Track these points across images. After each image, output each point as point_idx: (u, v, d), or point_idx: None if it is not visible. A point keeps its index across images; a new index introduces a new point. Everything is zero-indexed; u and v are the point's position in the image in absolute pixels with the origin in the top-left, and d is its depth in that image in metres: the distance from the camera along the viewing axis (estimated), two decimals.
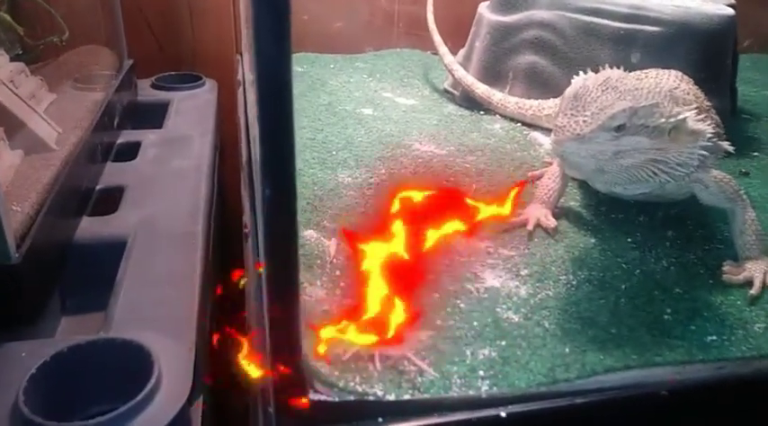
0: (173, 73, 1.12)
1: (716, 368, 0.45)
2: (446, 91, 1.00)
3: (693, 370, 0.45)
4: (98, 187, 0.76)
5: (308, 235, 0.56)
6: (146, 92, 1.07)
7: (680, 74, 0.65)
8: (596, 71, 0.55)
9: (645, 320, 0.49)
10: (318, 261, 0.52)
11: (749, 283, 0.54)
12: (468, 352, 0.44)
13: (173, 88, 1.07)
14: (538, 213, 0.61)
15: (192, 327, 0.53)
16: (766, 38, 1.44)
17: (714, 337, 0.47)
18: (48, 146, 0.71)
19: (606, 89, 0.48)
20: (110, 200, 0.75)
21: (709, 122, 0.54)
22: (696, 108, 0.53)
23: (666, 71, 0.64)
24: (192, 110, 1.01)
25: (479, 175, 0.72)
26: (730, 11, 0.84)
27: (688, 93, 0.58)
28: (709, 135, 0.52)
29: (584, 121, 0.46)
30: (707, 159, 0.54)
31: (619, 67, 0.55)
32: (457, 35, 1.04)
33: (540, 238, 0.59)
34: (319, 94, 0.96)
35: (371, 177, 0.69)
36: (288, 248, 0.30)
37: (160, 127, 0.94)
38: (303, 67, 1.09)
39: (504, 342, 0.45)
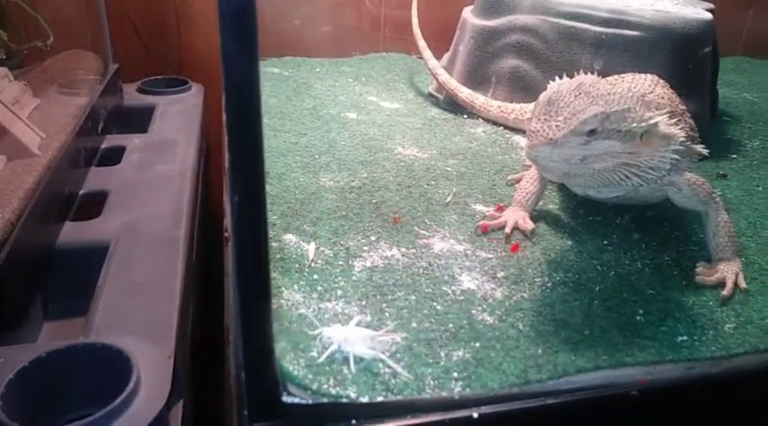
0: (159, 77, 1.13)
1: (686, 368, 0.46)
2: (431, 94, 1.01)
3: (664, 370, 0.46)
4: (81, 192, 0.76)
5: (287, 239, 0.56)
6: (132, 96, 1.07)
7: (656, 78, 0.66)
8: (573, 76, 0.56)
9: (617, 321, 0.49)
10: (297, 266, 0.53)
11: (721, 284, 0.55)
12: (442, 354, 0.45)
13: (159, 92, 1.07)
14: (516, 216, 0.61)
15: (171, 331, 0.53)
16: (749, 40, 1.47)
17: (685, 337, 0.48)
18: (30, 151, 0.71)
19: (579, 94, 0.49)
20: (93, 205, 0.75)
21: (682, 126, 0.55)
22: (669, 112, 0.53)
23: (642, 75, 0.65)
24: (177, 115, 1.01)
25: (460, 179, 0.72)
26: (708, 15, 0.86)
27: (662, 97, 0.59)
28: (682, 138, 0.53)
29: (557, 126, 0.47)
30: (680, 162, 0.55)
31: (595, 72, 0.56)
32: (442, 39, 1.05)
33: (518, 240, 0.60)
34: (304, 98, 0.96)
35: (353, 180, 0.70)
36: (257, 254, 0.31)
37: (145, 131, 0.94)
38: (289, 71, 1.10)
39: (478, 344, 0.46)
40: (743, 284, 0.55)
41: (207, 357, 0.75)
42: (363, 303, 0.49)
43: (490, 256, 0.57)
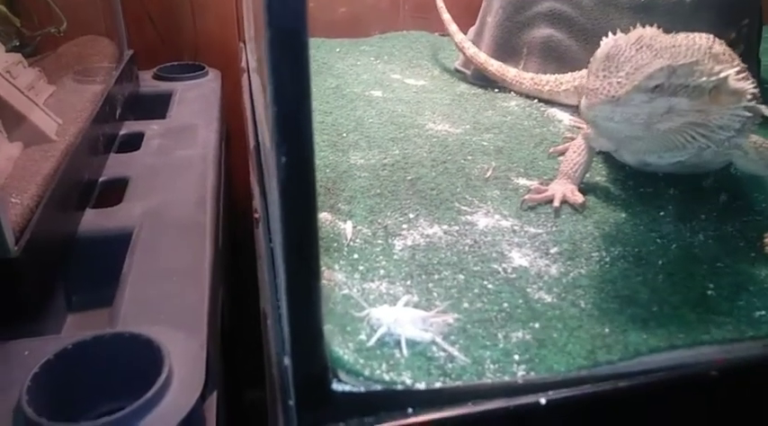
0: (175, 63, 1.10)
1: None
2: (457, 70, 0.97)
3: (744, 348, 0.41)
4: (101, 179, 0.74)
5: (322, 217, 0.53)
6: (148, 83, 1.04)
7: (711, 36, 0.61)
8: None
9: (687, 297, 0.45)
10: (335, 244, 0.49)
11: None
12: (500, 336, 0.41)
13: (175, 78, 1.04)
14: (564, 189, 0.57)
15: (202, 319, 0.51)
16: None
17: (763, 312, 0.44)
18: (47, 137, 0.68)
19: (640, 48, 0.44)
20: (114, 192, 0.72)
21: (750, 81, 0.50)
22: (737, 67, 0.49)
23: (696, 34, 0.61)
24: (195, 100, 0.98)
25: (498, 153, 0.68)
26: None
27: (725, 54, 0.55)
28: (750, 95, 0.49)
29: (619, 83, 0.43)
30: (747, 122, 0.50)
31: (655, 25, 0.51)
32: (466, 15, 1.00)
33: (568, 215, 0.56)
34: (326, 78, 0.92)
35: (385, 158, 0.66)
36: (306, 223, 0.27)
37: (164, 117, 0.92)
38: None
39: (537, 324, 0.42)
40: None
41: (238, 346, 0.72)
42: (408, 283, 0.45)
43: (540, 231, 0.53)
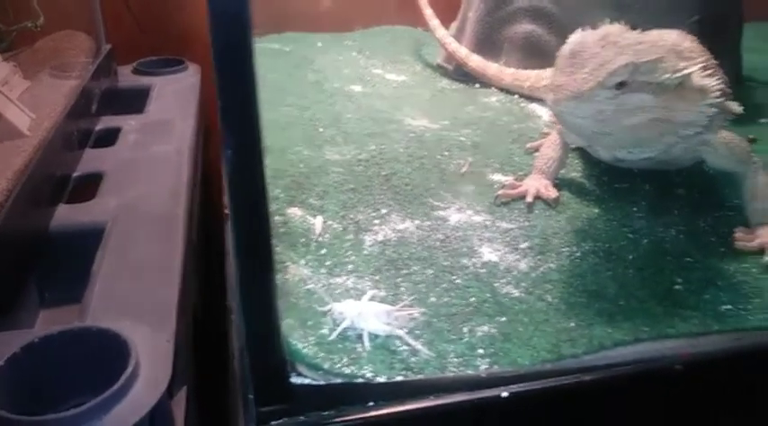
0: (155, 58, 1.09)
1: (733, 339, 0.42)
2: (439, 65, 0.96)
3: (709, 342, 0.41)
4: (75, 174, 0.73)
5: (291, 212, 0.53)
6: (127, 77, 1.03)
7: (683, 33, 0.61)
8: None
9: (655, 291, 0.45)
10: (303, 240, 0.49)
11: (763, 250, 0.50)
12: (465, 330, 0.41)
13: (154, 73, 1.03)
14: (537, 184, 0.57)
15: (172, 314, 0.50)
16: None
17: (729, 306, 0.44)
18: (20, 132, 0.67)
19: (606, 45, 0.44)
20: (88, 187, 0.71)
21: (717, 78, 0.50)
22: (702, 64, 0.49)
23: (669, 30, 0.61)
24: (174, 95, 0.97)
25: (475, 149, 0.68)
26: None
27: (692, 51, 0.55)
28: (717, 92, 0.49)
29: (583, 79, 0.43)
30: (715, 119, 0.51)
31: (623, 22, 0.51)
32: (449, 10, 1.00)
33: (541, 210, 0.56)
34: (306, 73, 0.92)
35: (360, 153, 0.66)
36: (257, 216, 0.27)
37: (141, 112, 0.91)
38: (289, 47, 1.05)
39: (504, 318, 0.42)
40: None
41: (212, 341, 0.71)
42: (377, 277, 0.45)
43: (512, 226, 0.53)
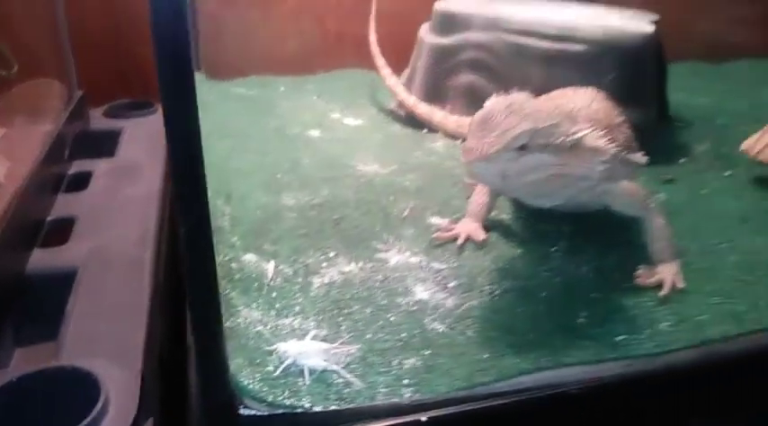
0: (125, 100, 1.14)
1: (624, 366, 0.49)
2: (392, 111, 1.04)
3: (603, 369, 0.49)
4: (49, 218, 0.78)
5: (246, 259, 0.59)
6: (98, 120, 1.08)
7: (594, 91, 0.69)
8: (523, 89, 0.59)
9: (560, 324, 0.53)
10: (255, 284, 0.55)
11: (660, 285, 0.58)
12: (394, 363, 0.47)
13: (125, 116, 1.08)
14: (468, 227, 0.65)
15: (139, 351, 0.55)
16: (705, 45, 1.51)
17: (624, 336, 0.52)
18: None
19: (510, 113, 0.52)
20: (61, 231, 0.76)
21: (614, 137, 0.58)
22: (597, 126, 0.57)
23: (582, 89, 0.69)
24: (144, 138, 1.02)
25: (418, 193, 0.75)
26: (650, 29, 0.90)
27: (598, 111, 0.63)
28: (612, 151, 0.57)
29: (490, 143, 0.50)
30: (614, 172, 0.58)
31: (530, 88, 0.59)
32: (405, 54, 1.08)
33: (471, 251, 0.63)
34: (269, 118, 0.99)
35: (315, 198, 0.73)
36: (206, 278, 0.33)
37: (112, 155, 0.96)
38: (254, 91, 1.12)
39: (428, 352, 0.49)
40: (680, 284, 0.58)
41: (178, 376, 0.76)
42: (321, 318, 0.52)
43: (443, 267, 0.60)
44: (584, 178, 0.55)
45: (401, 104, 0.99)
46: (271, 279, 0.56)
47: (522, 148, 0.51)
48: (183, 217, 0.32)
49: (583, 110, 0.59)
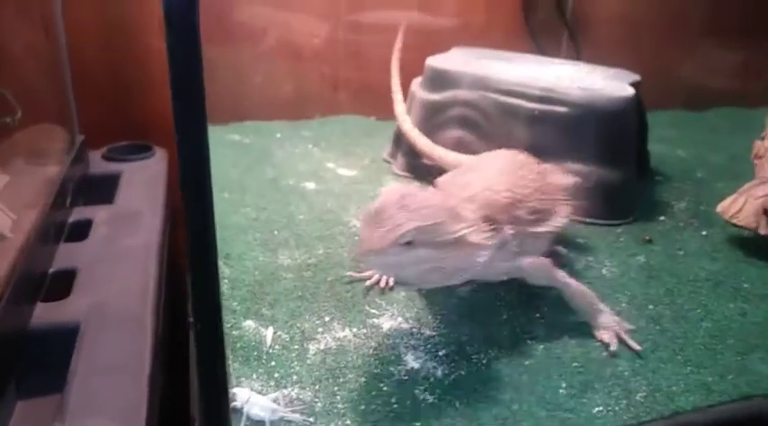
0: (124, 143, 1.16)
1: None
2: (385, 160, 1.08)
3: None
4: (51, 270, 0.80)
5: (246, 325, 0.62)
6: (97, 164, 1.10)
7: (513, 158, 0.74)
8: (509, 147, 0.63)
9: (542, 395, 0.56)
10: (255, 353, 0.58)
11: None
12: None
13: (123, 159, 1.11)
14: (377, 274, 0.70)
15: (141, 413, 0.58)
16: (687, 93, 1.57)
17: (601, 408, 0.55)
18: (2, 234, 0.74)
19: (400, 208, 0.55)
20: (62, 283, 0.78)
21: (487, 236, 0.60)
22: (496, 207, 0.62)
23: (502, 155, 0.75)
24: (142, 183, 1.04)
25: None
26: (631, 91, 0.95)
27: (498, 190, 0.65)
28: (490, 244, 0.59)
29: (380, 237, 0.54)
30: (523, 247, 0.63)
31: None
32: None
33: (458, 316, 0.67)
34: (264, 168, 1.02)
35: (310, 258, 0.76)
36: (217, 376, 0.37)
37: (111, 202, 0.98)
38: (249, 138, 1.16)
39: (418, 424, 0.52)
40: (622, 332, 0.64)
41: None
42: (317, 387, 0.55)
43: (433, 334, 0.64)
44: (463, 269, 0.59)
45: (395, 153, 1.03)
46: (270, 347, 0.59)
47: (409, 244, 0.54)
48: (196, 294, 0.35)
49: (485, 191, 0.63)
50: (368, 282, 0.70)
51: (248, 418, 0.51)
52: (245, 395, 0.52)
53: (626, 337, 0.64)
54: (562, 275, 0.66)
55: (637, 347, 0.63)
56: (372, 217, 0.55)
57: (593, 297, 0.66)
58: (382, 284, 0.70)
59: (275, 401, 0.53)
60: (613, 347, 0.62)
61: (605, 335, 0.64)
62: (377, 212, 0.55)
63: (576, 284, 0.66)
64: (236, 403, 0.52)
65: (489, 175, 0.68)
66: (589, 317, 0.65)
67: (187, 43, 0.31)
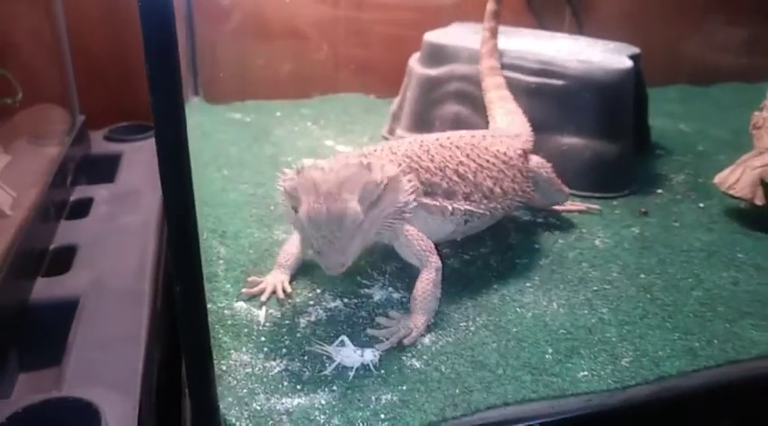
0: (125, 124, 1.18)
1: (585, 401, 0.53)
2: (384, 137, 1.08)
3: (565, 404, 0.53)
4: (52, 246, 0.82)
5: (238, 306, 0.63)
6: (99, 144, 1.12)
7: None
8: None
9: (528, 360, 0.57)
10: (245, 330, 0.59)
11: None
12: (373, 398, 0.51)
13: (125, 139, 1.12)
14: (276, 280, 0.65)
15: (137, 382, 0.59)
16: (692, 68, 1.56)
17: (586, 372, 0.56)
18: (2, 212, 0.76)
19: (328, 214, 0.54)
20: (63, 259, 0.80)
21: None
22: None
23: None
24: (143, 163, 1.06)
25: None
26: (629, 63, 0.94)
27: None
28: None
29: (337, 260, 0.55)
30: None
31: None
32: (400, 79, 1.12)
33: (449, 285, 0.67)
34: (263, 145, 1.03)
35: None
36: (200, 336, 0.38)
37: (112, 181, 0.99)
38: (250, 116, 1.16)
39: (405, 387, 0.53)
40: (408, 341, 0.58)
41: (176, 402, 0.80)
42: (305, 357, 0.56)
43: None
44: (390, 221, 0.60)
45: (393, 129, 1.03)
46: (262, 325, 0.60)
47: (356, 229, 0.55)
48: (179, 279, 0.36)
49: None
50: (263, 296, 0.64)
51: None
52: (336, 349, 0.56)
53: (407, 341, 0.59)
54: (433, 258, 0.63)
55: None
56: (312, 229, 0.55)
57: (432, 298, 0.62)
58: (279, 294, 0.64)
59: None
60: (385, 346, 0.57)
61: (399, 329, 0.59)
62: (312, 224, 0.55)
63: (434, 274, 0.62)
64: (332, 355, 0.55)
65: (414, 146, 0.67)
66: (412, 303, 0.61)
67: (162, 22, 0.32)
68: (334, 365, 0.54)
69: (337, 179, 0.56)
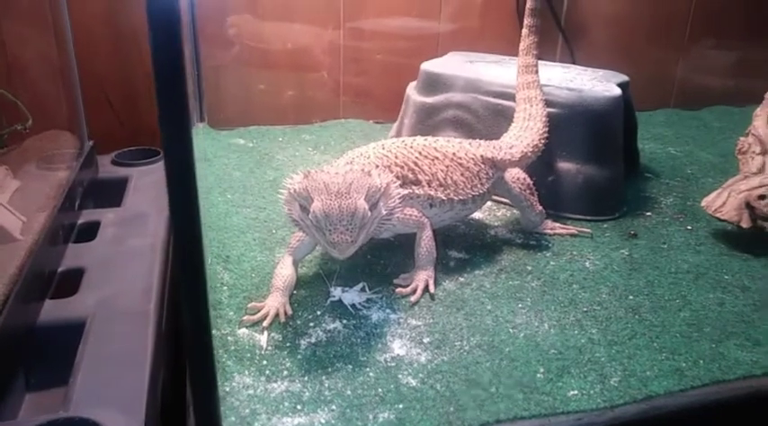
0: (132, 148, 1.20)
1: (575, 420, 0.55)
2: None
3: (555, 422, 0.55)
4: (60, 269, 0.84)
5: (241, 332, 0.65)
6: (106, 168, 1.14)
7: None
8: None
9: (520, 379, 0.59)
10: (248, 354, 0.61)
11: (414, 291, 0.71)
12: (370, 416, 0.53)
13: (132, 164, 1.15)
14: (276, 303, 0.67)
15: (142, 402, 0.61)
16: (680, 92, 1.60)
17: (576, 392, 0.58)
18: (12, 236, 0.78)
19: (341, 209, 0.63)
20: (70, 281, 0.82)
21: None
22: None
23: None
24: (149, 187, 1.08)
25: (401, 247, 0.82)
26: (617, 91, 0.97)
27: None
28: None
29: (347, 231, 0.63)
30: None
31: None
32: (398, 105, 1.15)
33: (444, 308, 0.70)
34: (266, 170, 1.06)
35: (306, 256, 0.79)
36: (205, 358, 0.40)
37: (119, 205, 1.02)
38: (253, 142, 1.20)
39: (401, 405, 0.55)
40: (432, 289, 0.72)
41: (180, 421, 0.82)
42: (305, 378, 0.58)
43: (419, 323, 0.67)
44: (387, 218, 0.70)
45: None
46: (264, 349, 0.62)
47: (363, 219, 0.64)
48: (186, 303, 0.38)
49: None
50: (265, 322, 0.65)
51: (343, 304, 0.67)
52: (339, 291, 0.69)
53: (431, 288, 0.72)
54: (426, 220, 0.76)
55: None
56: (324, 221, 0.63)
57: (433, 249, 0.74)
58: (282, 318, 0.66)
59: (362, 289, 0.70)
60: (414, 299, 0.70)
61: (418, 284, 0.72)
62: (326, 216, 0.63)
63: (429, 231, 0.75)
64: (334, 297, 0.68)
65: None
66: (417, 260, 0.74)
67: (170, 46, 0.35)
68: None
69: (345, 181, 0.65)
